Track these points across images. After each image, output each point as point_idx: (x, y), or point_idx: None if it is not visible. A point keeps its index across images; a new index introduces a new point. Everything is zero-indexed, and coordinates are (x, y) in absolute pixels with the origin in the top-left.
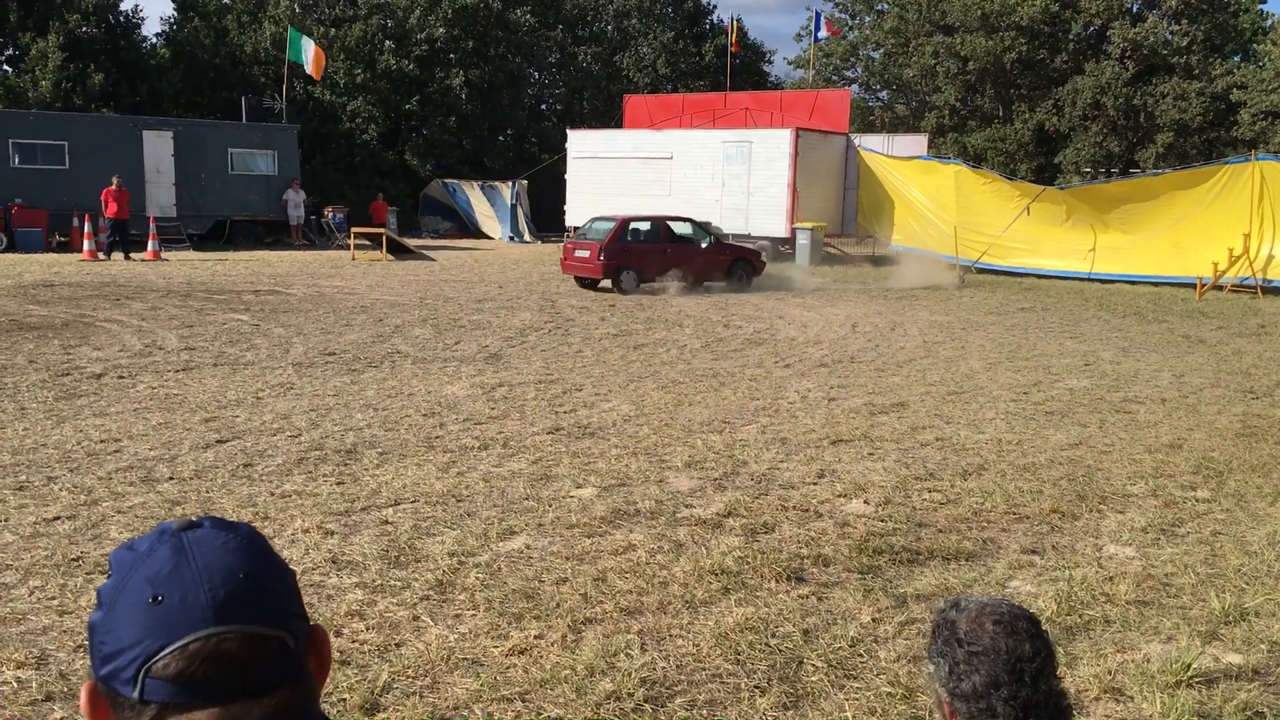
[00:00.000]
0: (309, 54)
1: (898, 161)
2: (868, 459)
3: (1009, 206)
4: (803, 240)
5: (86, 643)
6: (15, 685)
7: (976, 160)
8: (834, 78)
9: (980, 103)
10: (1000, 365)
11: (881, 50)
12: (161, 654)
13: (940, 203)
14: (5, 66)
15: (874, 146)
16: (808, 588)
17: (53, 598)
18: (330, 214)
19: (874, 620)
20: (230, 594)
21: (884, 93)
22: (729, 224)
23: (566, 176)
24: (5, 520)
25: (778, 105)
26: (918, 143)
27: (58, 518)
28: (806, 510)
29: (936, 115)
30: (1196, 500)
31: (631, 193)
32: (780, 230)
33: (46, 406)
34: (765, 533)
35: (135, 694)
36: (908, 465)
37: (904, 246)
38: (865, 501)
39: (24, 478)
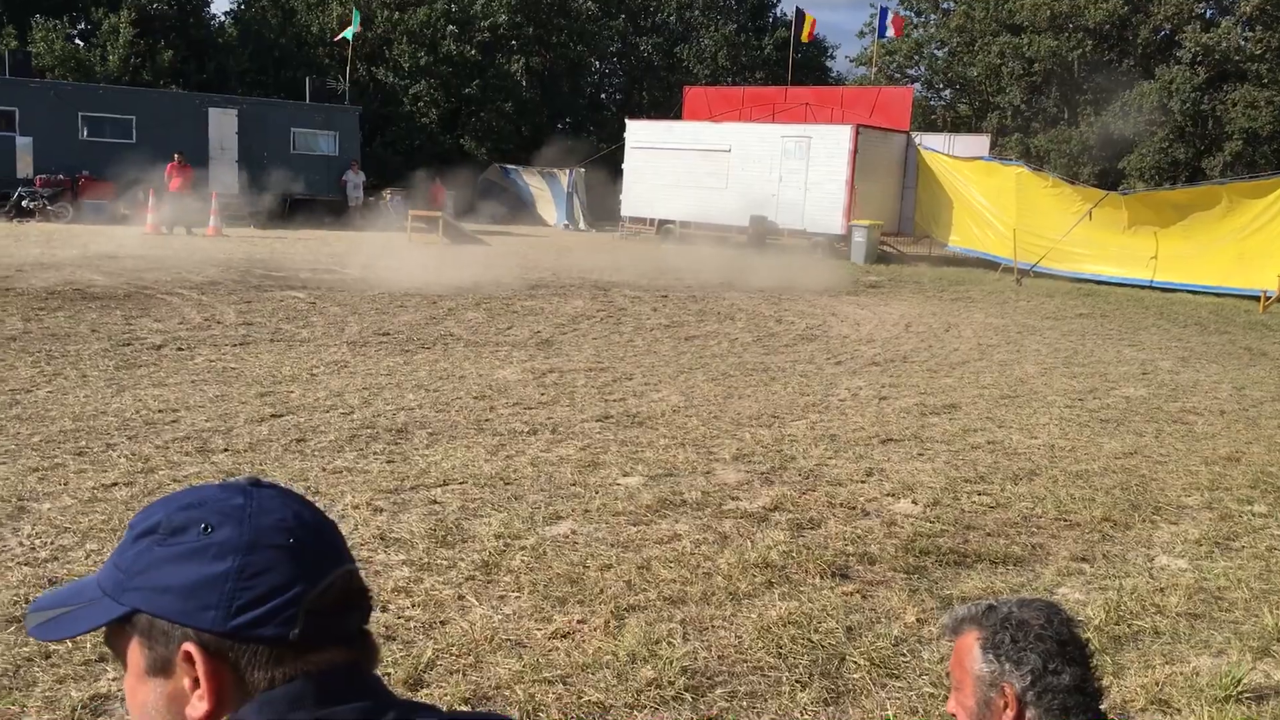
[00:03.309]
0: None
1: (958, 161)
2: (917, 459)
3: (1070, 210)
4: (859, 238)
5: (172, 608)
6: (70, 645)
7: (1039, 162)
8: (897, 75)
9: (1045, 104)
10: (1056, 370)
11: (946, 49)
12: (315, 591)
13: (1000, 205)
14: (77, 40)
15: (935, 146)
16: (852, 585)
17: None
18: (388, 196)
19: (918, 621)
20: (340, 536)
21: (947, 92)
22: (785, 219)
23: (624, 166)
24: (65, 484)
25: (839, 101)
26: (979, 143)
27: (115, 484)
28: (853, 508)
29: (999, 116)
30: (1253, 514)
31: (688, 185)
32: (836, 227)
33: (107, 375)
34: (811, 528)
35: (294, 632)
36: (958, 467)
37: (961, 248)
38: (913, 502)
39: (84, 444)
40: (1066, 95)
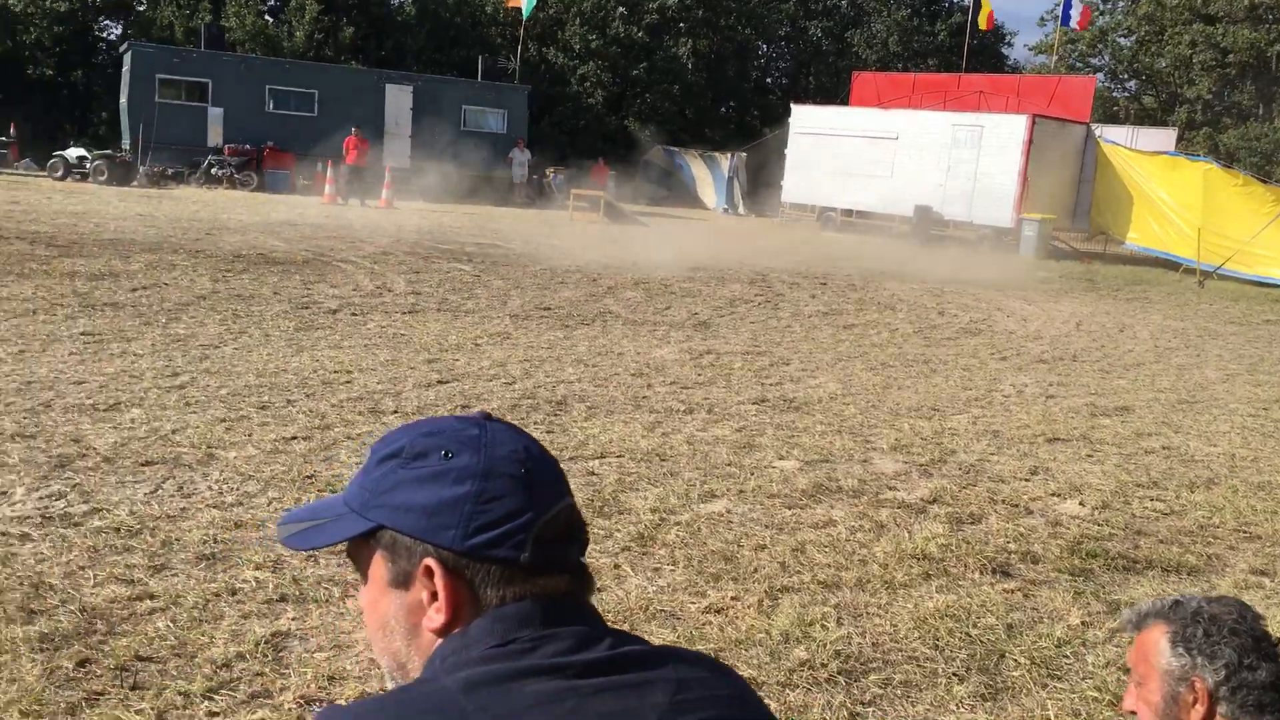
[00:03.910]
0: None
1: (1141, 156)
2: (1085, 460)
3: (1261, 211)
4: (1029, 232)
5: (415, 525)
6: (254, 584)
7: (1228, 159)
8: (1078, 65)
9: (1238, 98)
10: (1239, 377)
11: (1133, 37)
12: (543, 519)
13: (1185, 202)
14: (266, 16)
15: (1116, 139)
16: (1014, 583)
17: (288, 509)
18: (552, 174)
19: (1083, 624)
20: (562, 472)
21: (1131, 83)
22: (951, 210)
23: (786, 152)
24: (249, 435)
25: (1014, 90)
26: (1165, 137)
27: (294, 437)
28: (1016, 505)
29: (1187, 109)
30: None
31: (852, 172)
32: (1005, 220)
33: (288, 336)
34: (971, 523)
35: (525, 556)
36: (1129, 471)
37: (1140, 246)
38: (1080, 503)
39: (266, 399)
40: (1262, 90)
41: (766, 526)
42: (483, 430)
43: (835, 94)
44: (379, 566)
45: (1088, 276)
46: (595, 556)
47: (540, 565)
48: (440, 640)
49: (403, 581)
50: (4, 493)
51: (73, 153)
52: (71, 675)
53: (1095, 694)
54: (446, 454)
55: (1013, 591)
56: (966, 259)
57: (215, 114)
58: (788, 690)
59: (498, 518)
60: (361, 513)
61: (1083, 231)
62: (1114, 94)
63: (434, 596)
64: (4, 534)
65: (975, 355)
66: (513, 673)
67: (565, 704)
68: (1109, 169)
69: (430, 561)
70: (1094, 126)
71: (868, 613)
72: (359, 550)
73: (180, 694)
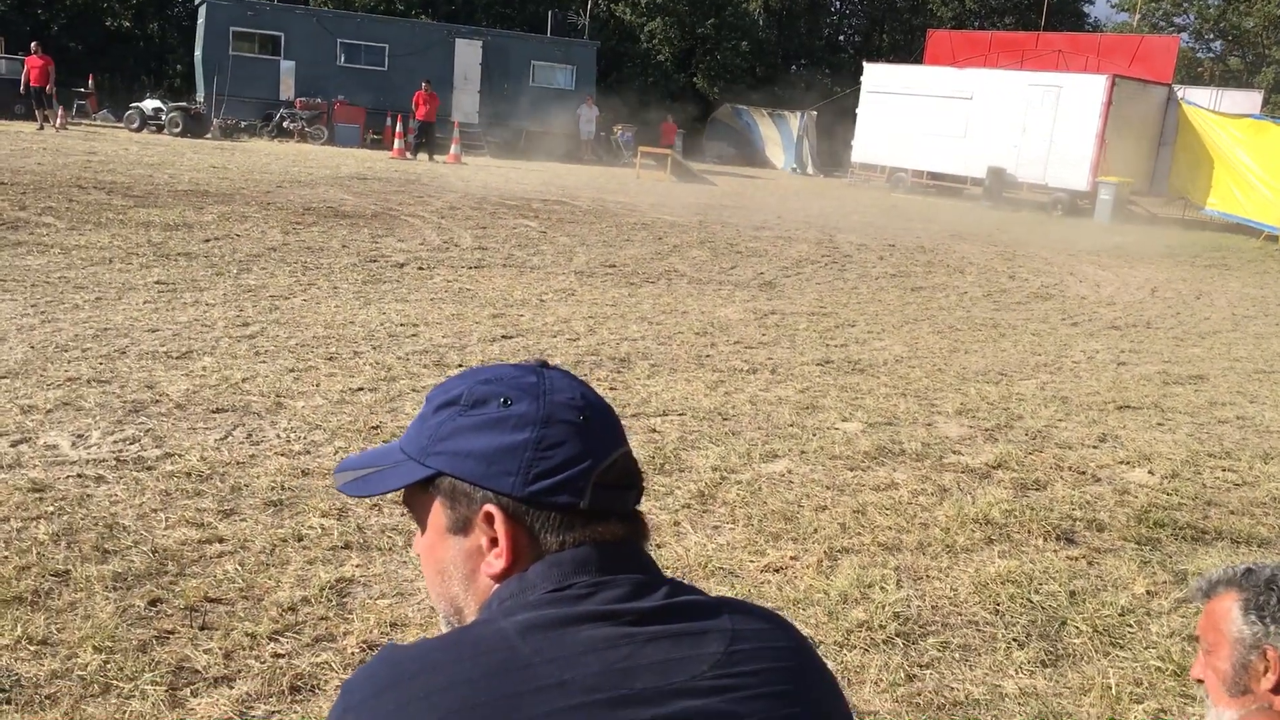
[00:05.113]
0: None
1: (1225, 119)
2: (1156, 429)
3: None
4: (1105, 196)
5: (474, 472)
6: (319, 530)
7: None
8: (1162, 24)
9: None
10: None
11: None
12: (601, 466)
13: (1270, 168)
14: None
15: (1199, 101)
16: (1078, 550)
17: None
18: (619, 132)
19: (1148, 593)
20: (619, 419)
21: (1217, 43)
22: (1025, 173)
23: (858, 111)
24: (317, 385)
25: (1095, 49)
26: (1250, 100)
27: (361, 389)
28: (1083, 473)
29: (1275, 71)
30: None
31: (924, 132)
32: (1081, 183)
33: (355, 288)
34: (1036, 489)
35: (584, 503)
36: (1201, 440)
37: (1220, 211)
38: (1149, 472)
39: (334, 350)
40: None
41: (828, 487)
42: (540, 378)
43: (909, 52)
44: (437, 513)
45: (1164, 242)
46: (655, 513)
47: (598, 512)
48: (497, 585)
49: (462, 527)
50: (81, 436)
51: (149, 105)
52: (143, 614)
53: (1158, 664)
54: (505, 401)
55: (1077, 559)
56: (1040, 222)
57: (287, 67)
58: (845, 650)
59: (557, 464)
60: (420, 459)
61: (1161, 196)
62: (1198, 54)
63: (493, 542)
64: (80, 476)
65: (1045, 320)
66: (569, 617)
67: (620, 650)
68: (1190, 132)
69: (490, 507)
70: (1176, 88)
71: (928, 576)
72: (416, 497)
73: (247, 635)
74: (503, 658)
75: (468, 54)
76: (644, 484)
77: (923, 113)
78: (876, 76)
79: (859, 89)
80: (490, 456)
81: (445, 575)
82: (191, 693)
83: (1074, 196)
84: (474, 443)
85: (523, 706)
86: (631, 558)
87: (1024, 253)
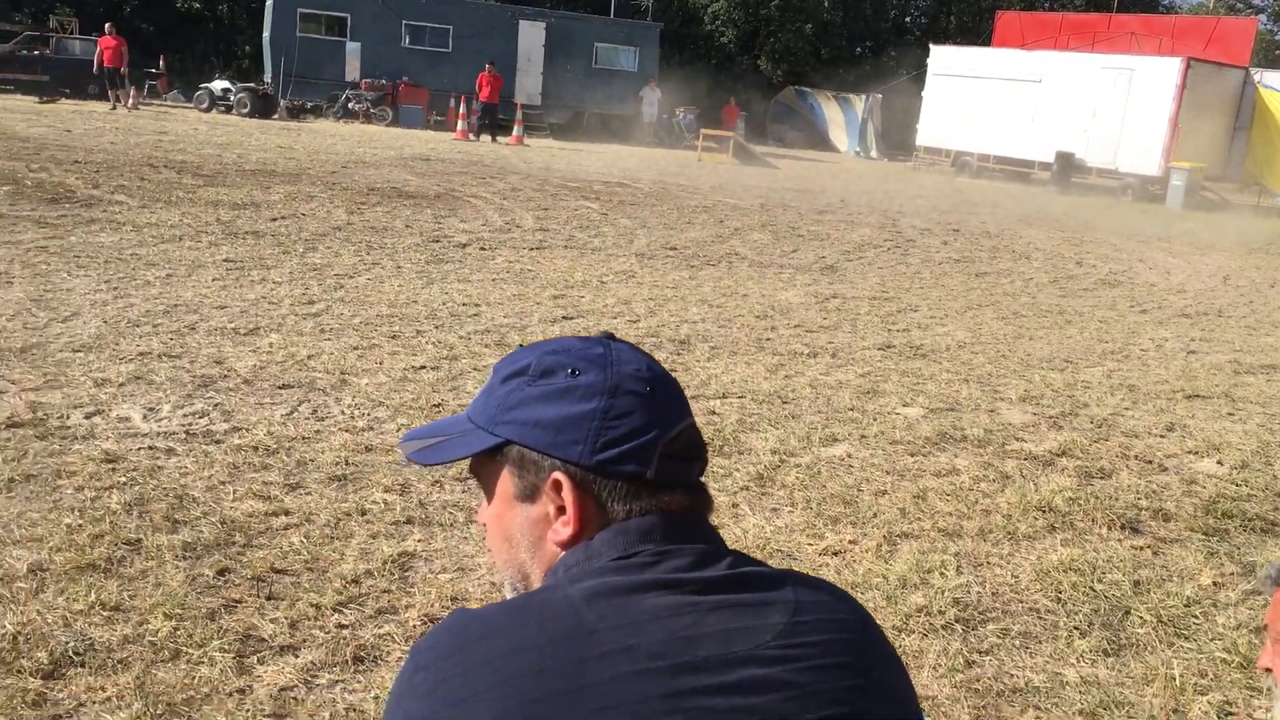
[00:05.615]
0: None
1: None
2: (1226, 419)
3: None
4: (1177, 181)
5: (543, 440)
6: (382, 505)
7: None
8: (1239, 5)
9: None
10: None
11: None
12: (668, 436)
13: None
14: None
15: (1276, 85)
16: (1143, 540)
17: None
18: (681, 114)
19: (1214, 584)
20: (683, 391)
21: None
22: (1094, 157)
23: (924, 95)
24: (380, 363)
25: (1169, 31)
26: None
27: (423, 367)
28: (1150, 462)
29: None
30: None
31: (991, 116)
32: (1153, 168)
33: (418, 268)
34: (1101, 478)
35: (650, 472)
36: (1272, 431)
37: None
38: (1218, 462)
39: (397, 329)
40: None
41: (888, 472)
42: (607, 349)
43: (977, 34)
44: (505, 481)
45: (1238, 229)
46: (714, 495)
47: (664, 482)
48: (563, 552)
49: (529, 495)
50: (152, 409)
51: (218, 85)
52: (211, 583)
53: (1224, 655)
54: (573, 371)
55: (1142, 548)
56: (1109, 207)
57: (353, 48)
58: (903, 635)
59: (624, 433)
60: (488, 428)
61: (1235, 182)
62: (1276, 37)
63: (560, 510)
64: (151, 448)
65: (1113, 307)
66: (633, 585)
67: (683, 618)
68: (1267, 116)
69: (559, 475)
70: (1253, 71)
71: (988, 562)
72: (484, 465)
73: (312, 605)
74: (569, 624)
75: (531, 35)
76: (708, 455)
77: (990, 96)
78: (943, 59)
79: (925, 72)
80: (558, 425)
81: (512, 542)
82: (258, 660)
83: (1145, 182)
84: (542, 412)
85: (587, 672)
86: (696, 528)
87: (1092, 238)
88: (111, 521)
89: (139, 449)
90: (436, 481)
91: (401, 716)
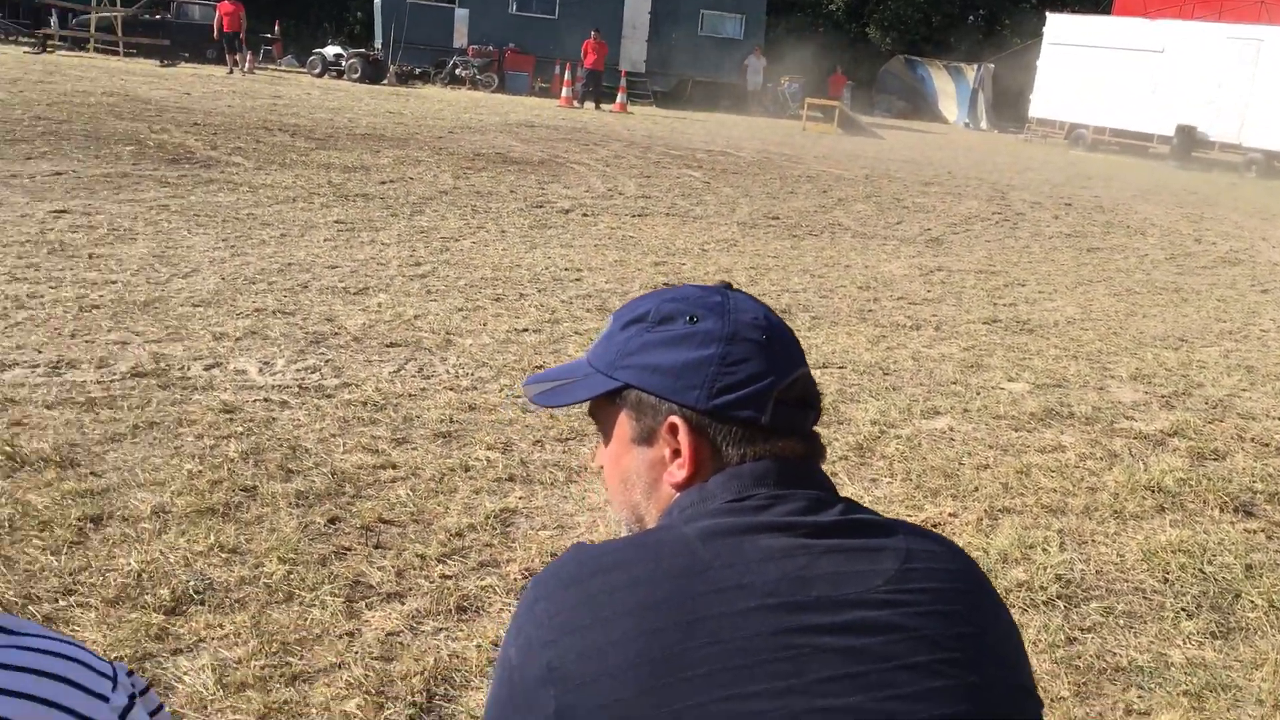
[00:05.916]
0: None
1: None
2: None
3: None
4: None
5: (661, 385)
6: (485, 463)
7: None
8: None
9: None
10: None
11: None
12: (783, 384)
13: None
14: None
15: None
16: (1256, 523)
17: (519, 396)
18: (786, 83)
19: None
20: (798, 340)
21: None
22: (1218, 131)
23: (1038, 64)
24: (484, 325)
25: None
26: None
27: (526, 329)
28: (1267, 445)
29: None
30: None
31: (1109, 87)
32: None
33: (522, 233)
34: (1214, 459)
35: (765, 418)
36: None
37: None
38: None
39: (501, 291)
40: None
41: (990, 447)
42: (725, 297)
43: (1095, 3)
44: (623, 424)
45: None
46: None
47: (778, 428)
48: (679, 494)
49: (646, 438)
50: (267, 363)
51: (330, 51)
52: (323, 530)
53: None
54: (692, 318)
55: (1255, 532)
56: (1231, 183)
57: (461, 15)
58: None
59: (741, 379)
60: (608, 373)
61: None
62: None
63: (676, 453)
64: (266, 400)
65: (1233, 286)
66: (747, 526)
67: (796, 560)
68: None
69: (675, 419)
70: None
71: (1093, 540)
72: (602, 409)
73: (418, 556)
74: (684, 561)
75: (637, 3)
76: (822, 404)
77: (1108, 66)
78: (1060, 28)
79: (1040, 41)
80: (677, 370)
81: (628, 484)
82: (366, 605)
83: (1270, 158)
84: (661, 357)
85: (701, 606)
86: (809, 475)
87: (1212, 215)
88: (229, 469)
89: (255, 400)
90: (538, 441)
91: (523, 642)
